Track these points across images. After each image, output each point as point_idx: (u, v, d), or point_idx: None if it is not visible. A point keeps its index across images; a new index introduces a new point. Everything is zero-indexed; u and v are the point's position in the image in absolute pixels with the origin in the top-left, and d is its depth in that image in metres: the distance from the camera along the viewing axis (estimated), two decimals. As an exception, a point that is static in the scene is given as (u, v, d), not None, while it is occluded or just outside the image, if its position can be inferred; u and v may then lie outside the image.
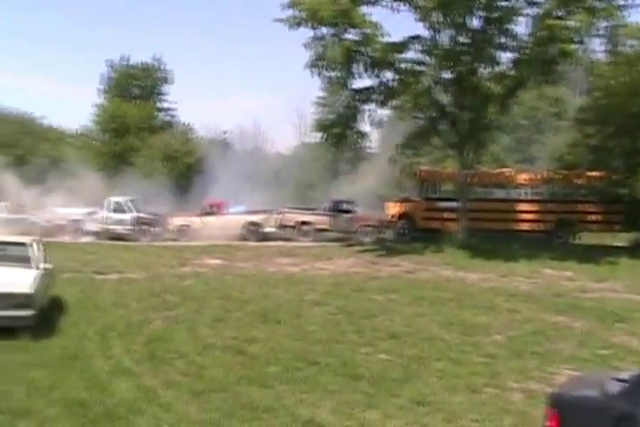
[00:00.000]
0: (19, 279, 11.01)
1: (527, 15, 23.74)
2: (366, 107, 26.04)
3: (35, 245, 12.63)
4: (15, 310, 10.55)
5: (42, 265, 12.19)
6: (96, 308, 13.06)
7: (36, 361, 9.34)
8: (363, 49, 23.96)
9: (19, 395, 7.90)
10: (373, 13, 24.13)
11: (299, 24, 23.55)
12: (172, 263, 19.93)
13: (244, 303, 13.85)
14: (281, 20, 23.62)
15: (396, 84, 25.03)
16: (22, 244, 12.65)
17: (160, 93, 48.25)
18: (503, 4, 23.47)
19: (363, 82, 25.73)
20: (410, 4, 23.76)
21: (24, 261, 12.01)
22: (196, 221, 28.07)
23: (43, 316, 11.26)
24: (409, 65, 25.04)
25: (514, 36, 23.95)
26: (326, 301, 14.33)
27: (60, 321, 11.80)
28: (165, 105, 48.42)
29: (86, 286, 15.67)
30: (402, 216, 28.04)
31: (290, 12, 23.44)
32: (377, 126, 29.53)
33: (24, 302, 10.65)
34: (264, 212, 28.07)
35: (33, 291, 10.84)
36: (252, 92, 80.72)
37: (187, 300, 14.02)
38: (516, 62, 24.41)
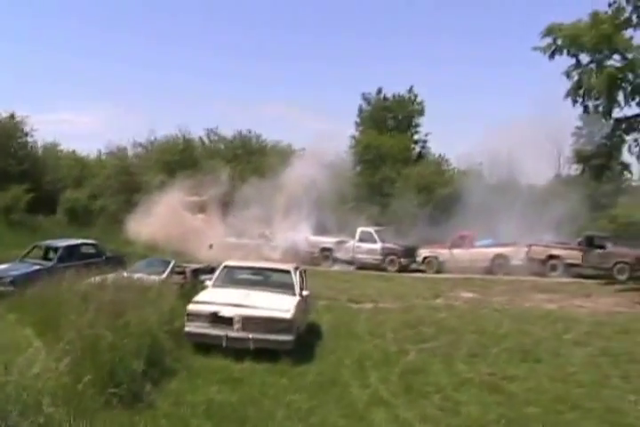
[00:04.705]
0: (281, 305, 11.56)
1: None
2: (631, 137, 24.29)
3: (296, 273, 13.21)
4: (276, 335, 11.08)
5: (301, 292, 12.71)
6: (352, 336, 13.31)
7: (295, 385, 9.70)
8: (627, 75, 22.54)
9: (280, 417, 8.23)
10: (637, 37, 22.68)
11: (556, 52, 22.90)
12: (425, 295, 19.94)
13: (500, 339, 13.41)
14: (539, 49, 23.13)
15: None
16: (287, 271, 13.32)
17: (414, 125, 48.84)
18: None
19: (627, 110, 24.11)
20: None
21: (287, 287, 12.61)
22: (443, 253, 28.00)
23: (300, 341, 11.71)
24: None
25: None
26: (587, 341, 13.38)
27: (316, 347, 12.16)
28: (418, 137, 48.86)
29: (342, 313, 16.11)
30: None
31: (547, 40, 22.91)
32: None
33: (285, 328, 11.16)
34: (512, 245, 27.22)
35: (293, 317, 11.33)
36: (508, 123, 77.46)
37: (442, 333, 13.85)
38: None
